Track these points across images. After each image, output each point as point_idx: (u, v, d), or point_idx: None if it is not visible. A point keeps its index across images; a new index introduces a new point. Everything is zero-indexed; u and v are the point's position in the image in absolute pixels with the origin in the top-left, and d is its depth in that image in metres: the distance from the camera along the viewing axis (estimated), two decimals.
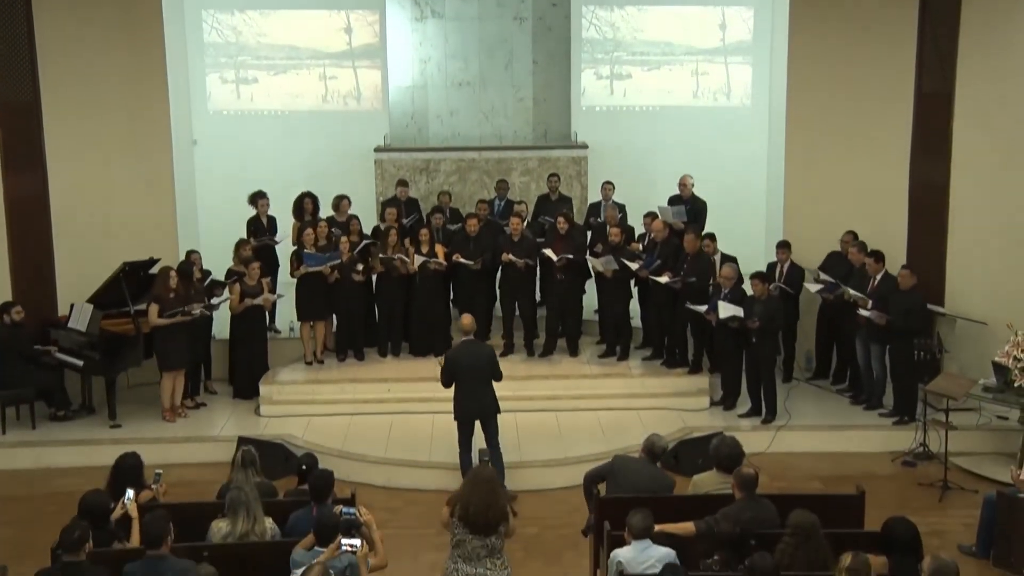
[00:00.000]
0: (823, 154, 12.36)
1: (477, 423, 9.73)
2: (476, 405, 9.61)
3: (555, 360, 12.24)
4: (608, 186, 13.16)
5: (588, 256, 12.15)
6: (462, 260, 12.04)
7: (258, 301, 11.67)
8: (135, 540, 7.08)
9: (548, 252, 11.99)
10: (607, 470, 7.95)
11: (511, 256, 11.92)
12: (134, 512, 7.17)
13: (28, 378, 11.27)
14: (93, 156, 12.11)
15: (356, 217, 12.71)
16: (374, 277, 12.20)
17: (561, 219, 12.14)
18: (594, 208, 13.34)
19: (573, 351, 12.31)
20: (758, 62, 14.73)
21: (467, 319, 9.81)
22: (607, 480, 7.90)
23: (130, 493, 7.25)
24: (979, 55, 11.73)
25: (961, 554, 8.59)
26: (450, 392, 9.69)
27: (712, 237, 11.91)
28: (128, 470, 7.57)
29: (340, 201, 12.85)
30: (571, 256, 11.93)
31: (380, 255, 11.97)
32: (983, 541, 8.74)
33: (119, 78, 12.11)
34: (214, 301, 11.66)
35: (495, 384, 9.68)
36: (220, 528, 7.06)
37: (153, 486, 7.70)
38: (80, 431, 11.24)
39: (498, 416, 9.72)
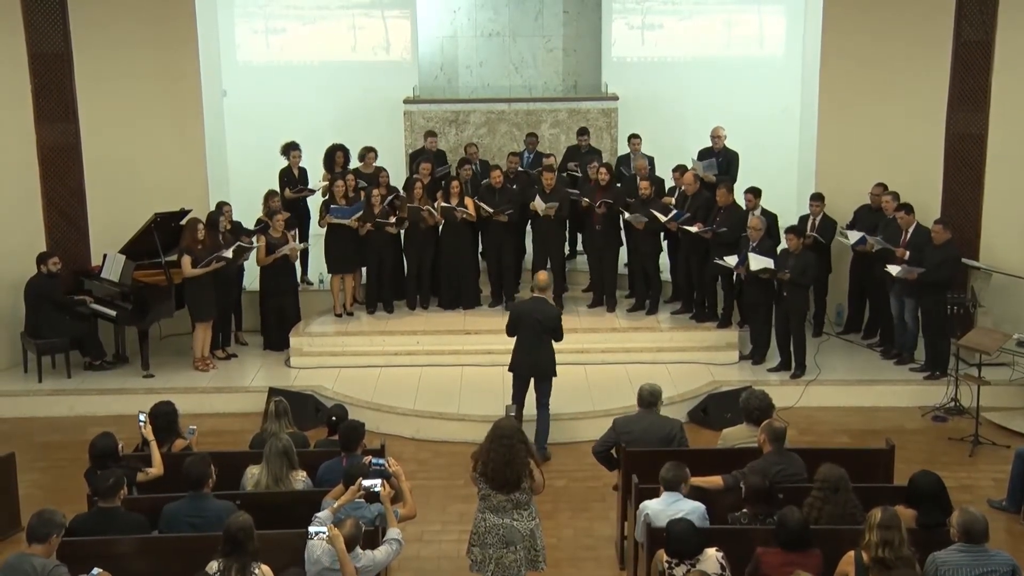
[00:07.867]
0: (857, 104, 12.14)
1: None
2: (529, 361, 9.54)
3: (585, 313, 12.23)
4: (635, 139, 13.02)
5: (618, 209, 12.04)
6: (483, 207, 11.91)
7: (283, 251, 11.69)
8: (156, 462, 7.28)
9: (586, 200, 11.87)
10: (612, 438, 7.94)
11: (536, 205, 11.78)
12: (150, 435, 7.38)
13: (63, 328, 11.39)
14: (124, 106, 12.10)
15: (384, 169, 12.68)
16: (402, 230, 12.18)
17: (603, 170, 11.99)
18: (623, 160, 13.19)
19: (611, 306, 12.26)
20: (791, 11, 14.45)
21: (543, 275, 9.80)
22: (618, 444, 7.88)
23: (142, 416, 7.45)
24: (1020, 2, 11.46)
25: (991, 508, 8.56)
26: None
27: (756, 192, 11.74)
28: (162, 417, 7.74)
29: (367, 153, 12.83)
30: (611, 201, 11.76)
31: (408, 205, 11.93)
32: (1013, 495, 8.70)
33: (149, 29, 12.06)
34: (242, 245, 11.69)
35: (556, 344, 9.60)
36: (253, 473, 7.18)
37: (187, 436, 7.85)
38: (114, 380, 11.41)
39: (553, 379, 9.66)
